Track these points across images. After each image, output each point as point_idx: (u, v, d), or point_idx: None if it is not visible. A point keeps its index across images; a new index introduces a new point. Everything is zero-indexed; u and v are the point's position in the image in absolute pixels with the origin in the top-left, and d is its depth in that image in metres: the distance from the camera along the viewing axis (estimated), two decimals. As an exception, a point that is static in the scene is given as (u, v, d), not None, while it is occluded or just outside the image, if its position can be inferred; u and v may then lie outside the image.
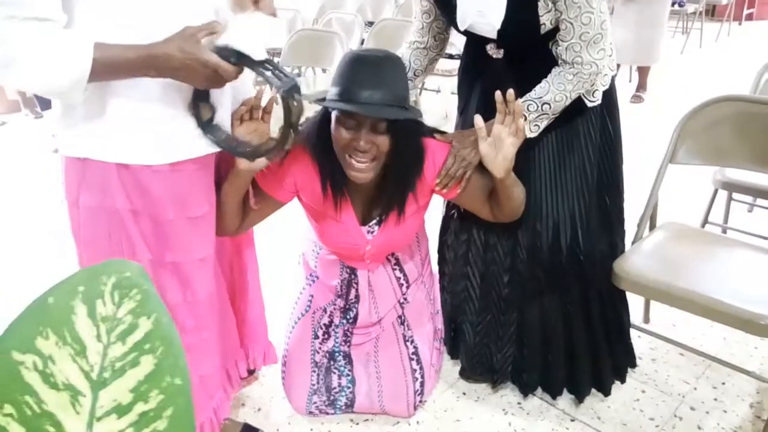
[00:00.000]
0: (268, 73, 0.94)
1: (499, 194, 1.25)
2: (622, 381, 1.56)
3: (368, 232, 1.33)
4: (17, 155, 3.74)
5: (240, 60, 0.92)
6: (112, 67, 0.88)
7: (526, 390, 1.54)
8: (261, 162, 1.11)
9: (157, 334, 0.42)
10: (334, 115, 1.17)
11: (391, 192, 1.25)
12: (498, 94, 1.15)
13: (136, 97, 0.96)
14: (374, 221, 1.32)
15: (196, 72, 0.90)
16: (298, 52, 3.06)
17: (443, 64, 3.35)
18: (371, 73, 1.11)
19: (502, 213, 1.30)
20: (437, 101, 4.14)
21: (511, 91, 1.14)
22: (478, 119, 1.20)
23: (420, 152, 1.24)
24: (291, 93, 0.96)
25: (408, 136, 1.19)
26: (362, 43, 3.42)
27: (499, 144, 1.18)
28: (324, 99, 1.17)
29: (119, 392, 0.41)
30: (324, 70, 4.24)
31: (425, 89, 4.29)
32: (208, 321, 1.19)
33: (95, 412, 0.39)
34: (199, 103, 1.00)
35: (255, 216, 1.29)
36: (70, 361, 0.39)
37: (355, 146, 1.14)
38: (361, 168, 1.16)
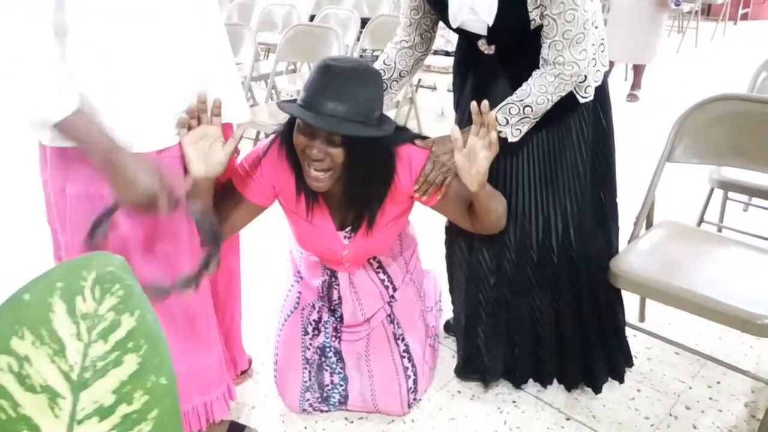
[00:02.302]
0: (203, 229, 1.04)
1: (476, 207, 1.23)
2: (621, 381, 1.55)
3: (345, 237, 1.31)
4: (9, 149, 3.70)
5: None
6: (73, 136, 0.93)
7: (518, 383, 1.55)
8: (217, 169, 1.08)
9: (141, 332, 0.40)
10: (297, 120, 1.15)
11: (357, 201, 1.23)
12: (473, 104, 1.11)
13: (120, 86, 0.97)
14: (350, 227, 1.30)
15: (136, 193, 0.95)
16: (294, 47, 3.04)
17: (440, 61, 3.34)
18: (337, 85, 1.09)
19: (481, 226, 1.28)
20: (433, 98, 4.13)
21: (485, 102, 1.10)
22: (454, 130, 1.14)
23: (388, 165, 1.21)
24: (210, 259, 1.03)
25: (369, 151, 1.15)
26: (358, 39, 3.40)
27: (473, 156, 1.14)
28: (292, 100, 1.15)
29: (101, 393, 0.38)
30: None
31: (421, 86, 4.27)
32: (203, 312, 1.18)
33: (75, 415, 0.37)
34: (99, 228, 1.02)
35: (236, 222, 1.26)
36: (48, 361, 0.37)
37: (308, 154, 1.12)
38: (317, 177, 1.14)
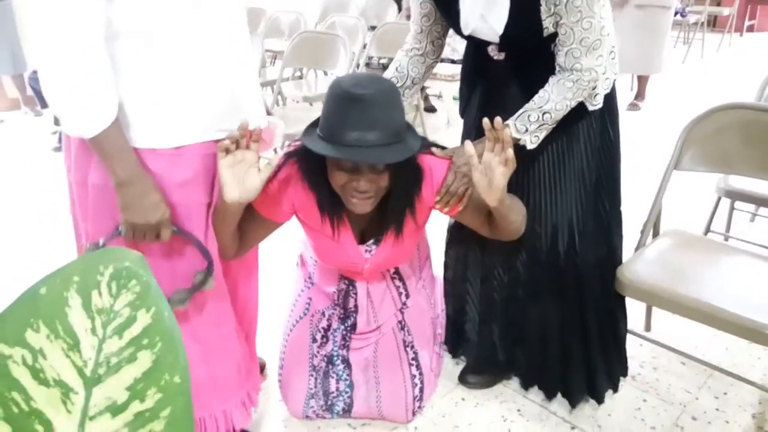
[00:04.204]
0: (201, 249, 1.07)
1: (495, 219, 1.21)
2: (615, 390, 1.54)
3: (366, 251, 1.31)
4: (16, 153, 3.72)
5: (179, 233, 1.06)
6: (103, 149, 0.95)
7: (525, 385, 1.56)
8: (251, 195, 1.07)
9: (156, 329, 0.39)
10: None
11: (388, 215, 1.22)
12: (486, 121, 1.06)
13: (146, 80, 0.97)
14: (372, 240, 1.29)
15: (145, 221, 0.99)
16: (300, 54, 3.05)
17: (445, 68, 3.35)
18: (363, 113, 1.05)
19: (500, 234, 1.26)
20: (439, 106, 4.13)
21: (498, 119, 1.05)
22: (468, 146, 1.08)
23: (418, 172, 1.20)
24: (206, 278, 1.08)
25: (405, 165, 1.14)
26: (365, 47, 3.42)
27: (489, 173, 1.09)
28: (315, 125, 1.13)
29: (114, 390, 0.38)
30: (326, 73, 4.24)
31: (427, 94, 4.28)
32: (222, 318, 1.17)
33: (88, 411, 0.37)
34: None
35: (254, 238, 1.25)
36: (62, 355, 0.37)
37: (354, 187, 1.10)
38: (362, 204, 1.13)
